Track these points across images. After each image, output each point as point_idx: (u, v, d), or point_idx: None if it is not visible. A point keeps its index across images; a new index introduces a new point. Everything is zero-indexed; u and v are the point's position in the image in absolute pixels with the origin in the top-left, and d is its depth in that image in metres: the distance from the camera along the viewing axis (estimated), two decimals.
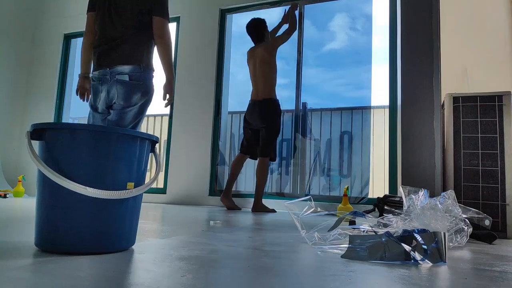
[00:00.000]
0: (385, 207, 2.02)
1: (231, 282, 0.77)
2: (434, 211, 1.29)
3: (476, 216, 1.60)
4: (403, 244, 1.06)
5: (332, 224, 1.45)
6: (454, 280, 0.90)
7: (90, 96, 2.26)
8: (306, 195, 1.61)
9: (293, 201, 1.45)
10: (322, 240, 1.36)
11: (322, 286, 0.76)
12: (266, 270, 0.89)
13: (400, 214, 1.37)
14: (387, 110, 3.71)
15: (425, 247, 1.06)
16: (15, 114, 5.26)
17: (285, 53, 4.02)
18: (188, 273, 0.83)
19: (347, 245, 1.13)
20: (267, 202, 3.50)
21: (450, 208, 1.38)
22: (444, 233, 1.10)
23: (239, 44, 4.33)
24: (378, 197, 2.18)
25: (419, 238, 1.09)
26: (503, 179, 2.00)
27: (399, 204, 1.97)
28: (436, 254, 1.06)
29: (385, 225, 1.31)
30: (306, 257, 1.09)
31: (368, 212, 2.03)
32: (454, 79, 3.25)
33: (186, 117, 4.32)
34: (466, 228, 1.42)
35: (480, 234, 1.67)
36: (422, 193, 1.38)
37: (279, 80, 3.58)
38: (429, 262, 1.04)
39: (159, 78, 2.29)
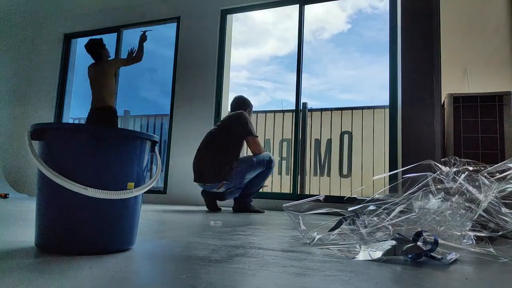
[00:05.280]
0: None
1: (231, 282, 0.77)
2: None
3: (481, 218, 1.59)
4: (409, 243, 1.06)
5: (332, 225, 1.45)
6: (454, 280, 0.90)
7: None
8: (306, 196, 1.61)
9: (292, 202, 1.44)
10: (322, 240, 1.36)
11: (321, 286, 0.76)
12: (266, 270, 0.89)
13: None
14: (387, 110, 3.71)
15: (429, 246, 1.06)
16: (15, 114, 5.26)
17: (286, 53, 4.02)
18: (188, 273, 0.83)
19: (350, 243, 1.13)
20: (267, 202, 3.48)
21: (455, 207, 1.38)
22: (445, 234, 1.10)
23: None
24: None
25: (423, 237, 1.10)
26: None
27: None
28: (437, 253, 1.06)
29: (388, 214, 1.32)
30: (305, 257, 1.09)
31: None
32: (454, 79, 3.24)
33: (186, 118, 4.32)
34: (469, 228, 1.42)
35: (483, 235, 1.66)
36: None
37: (281, 82, 3.62)
38: (432, 260, 1.05)
39: None
